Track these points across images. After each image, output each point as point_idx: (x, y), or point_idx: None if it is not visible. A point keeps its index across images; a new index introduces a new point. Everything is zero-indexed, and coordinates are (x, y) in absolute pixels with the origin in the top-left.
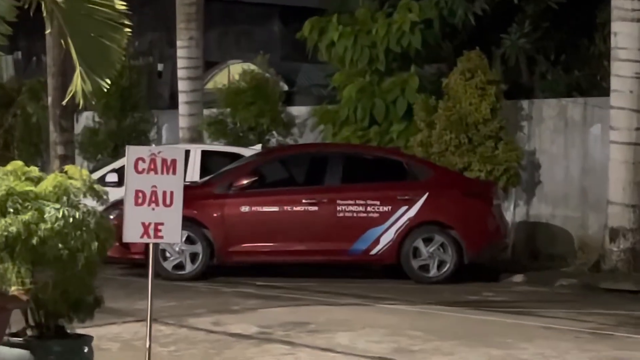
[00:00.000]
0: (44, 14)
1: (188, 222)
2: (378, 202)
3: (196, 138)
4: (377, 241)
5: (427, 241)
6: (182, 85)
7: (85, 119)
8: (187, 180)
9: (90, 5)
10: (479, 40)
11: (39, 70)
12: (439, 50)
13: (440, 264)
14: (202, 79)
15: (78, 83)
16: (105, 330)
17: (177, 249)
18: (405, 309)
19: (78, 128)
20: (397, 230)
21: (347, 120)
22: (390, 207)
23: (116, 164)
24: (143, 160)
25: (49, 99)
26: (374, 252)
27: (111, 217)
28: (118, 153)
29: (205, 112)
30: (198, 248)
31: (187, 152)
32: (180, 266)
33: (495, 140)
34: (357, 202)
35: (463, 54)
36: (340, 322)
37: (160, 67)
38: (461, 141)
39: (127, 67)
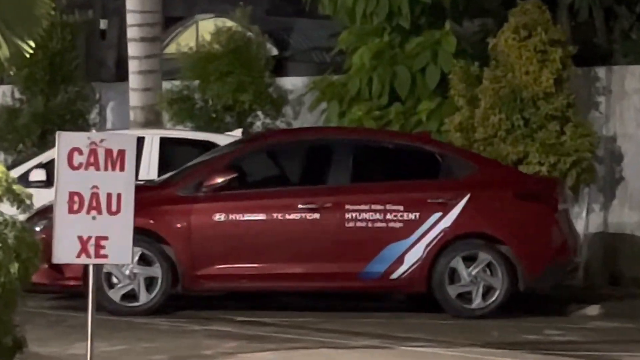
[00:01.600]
0: None
1: (142, 235)
2: (401, 208)
3: (153, 121)
4: (400, 261)
5: (469, 260)
6: (133, 49)
7: (2, 96)
8: (140, 178)
9: None
10: None
11: None
12: (483, 1)
13: (487, 292)
14: (160, 41)
15: None
16: None
17: (127, 272)
18: (440, 352)
19: None
20: (427, 246)
21: (358, 96)
22: (418, 215)
23: (44, 157)
24: (80, 151)
25: None
26: (395, 275)
27: (37, 229)
28: (46, 142)
29: (165, 85)
30: (156, 271)
31: (141, 140)
32: (131, 296)
33: (561, 122)
34: (373, 207)
35: (517, 5)
36: None
37: (103, 24)
38: (514, 124)
39: (57, 25)
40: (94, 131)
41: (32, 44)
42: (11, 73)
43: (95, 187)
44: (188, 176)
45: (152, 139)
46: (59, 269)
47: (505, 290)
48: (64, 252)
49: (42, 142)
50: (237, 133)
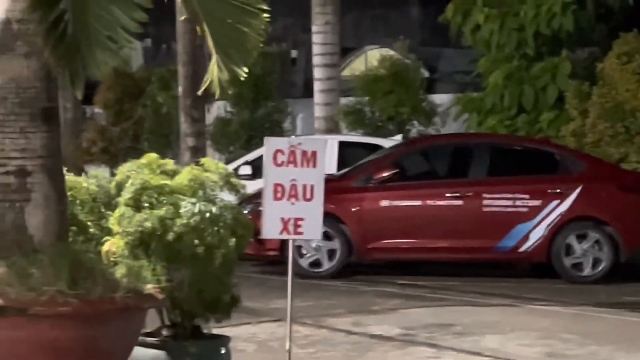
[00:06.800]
0: (177, 0)
1: (325, 217)
2: (527, 196)
3: (332, 128)
4: (526, 238)
5: (581, 238)
6: (317, 73)
7: (217, 109)
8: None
9: None
10: (637, 22)
11: (169, 58)
12: (592, 33)
13: (595, 263)
14: (338, 66)
15: (214, 72)
16: (241, 331)
17: (313, 245)
18: (558, 310)
19: (209, 118)
20: (548, 226)
21: (493, 109)
22: (540, 202)
23: (249, 156)
24: (282, 152)
25: (180, 89)
26: (522, 249)
27: (245, 212)
28: (251, 144)
29: (342, 100)
30: (335, 244)
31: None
32: (316, 264)
33: None
34: (505, 195)
35: (619, 37)
36: (487, 324)
37: (294, 53)
38: (617, 130)
39: (260, 54)
40: (293, 137)
41: (246, 69)
42: (229, 92)
43: (294, 180)
44: (360, 171)
45: (332, 142)
46: (261, 242)
47: (610, 261)
48: (270, 229)
49: (248, 145)
50: (398, 138)
